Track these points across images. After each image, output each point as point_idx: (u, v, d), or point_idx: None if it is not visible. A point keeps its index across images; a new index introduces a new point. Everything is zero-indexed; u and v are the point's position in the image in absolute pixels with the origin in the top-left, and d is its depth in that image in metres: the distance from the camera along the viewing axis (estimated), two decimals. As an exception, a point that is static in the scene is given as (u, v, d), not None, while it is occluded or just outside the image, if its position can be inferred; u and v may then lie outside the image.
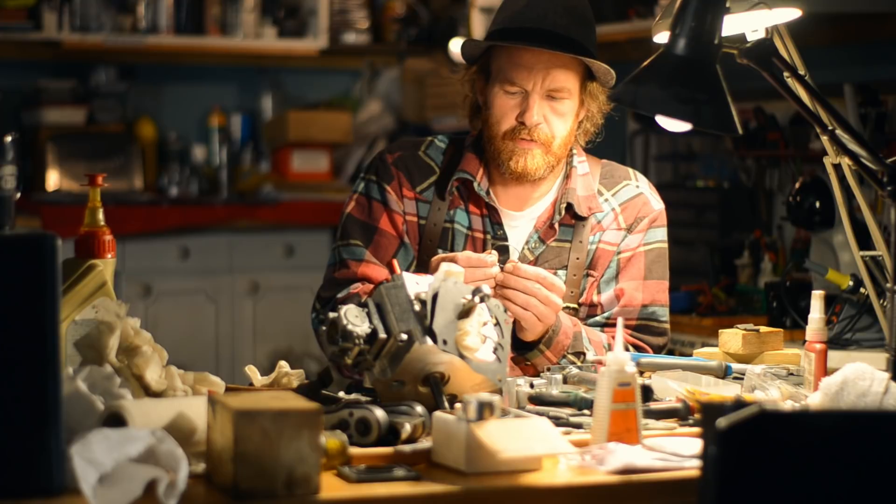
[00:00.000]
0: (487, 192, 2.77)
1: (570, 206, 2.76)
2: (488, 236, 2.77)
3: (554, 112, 2.71)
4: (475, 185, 2.76)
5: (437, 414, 2.05)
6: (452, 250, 2.75)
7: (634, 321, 2.79)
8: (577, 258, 2.77)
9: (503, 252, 2.75)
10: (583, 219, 2.77)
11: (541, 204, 2.80)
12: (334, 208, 5.69)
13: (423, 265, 2.72)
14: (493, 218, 2.77)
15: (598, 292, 2.79)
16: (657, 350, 2.81)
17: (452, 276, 2.25)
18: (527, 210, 2.79)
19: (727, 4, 2.39)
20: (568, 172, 2.80)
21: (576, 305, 2.77)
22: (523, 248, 2.76)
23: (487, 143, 2.76)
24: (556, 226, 2.76)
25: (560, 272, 2.74)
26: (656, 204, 2.84)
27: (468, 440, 1.96)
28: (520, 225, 2.79)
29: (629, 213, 2.80)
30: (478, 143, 2.80)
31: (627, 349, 2.70)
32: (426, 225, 2.77)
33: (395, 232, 2.78)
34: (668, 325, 2.84)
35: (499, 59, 2.73)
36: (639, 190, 2.83)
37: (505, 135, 2.72)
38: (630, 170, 2.88)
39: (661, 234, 2.84)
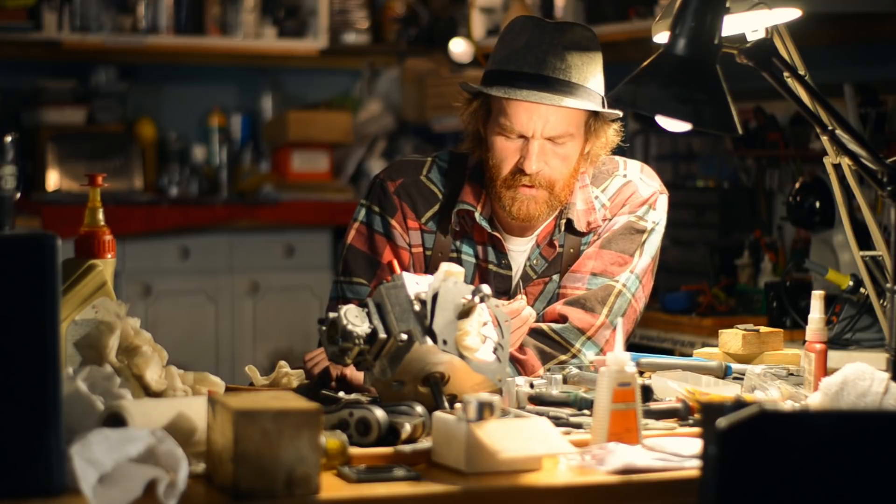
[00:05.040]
0: (491, 221, 2.69)
1: (570, 223, 2.70)
2: (492, 266, 2.70)
3: (555, 155, 2.61)
4: (476, 215, 2.68)
5: (437, 414, 2.05)
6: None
7: (583, 289, 2.67)
8: (569, 264, 2.71)
9: (504, 282, 2.70)
10: (581, 234, 2.71)
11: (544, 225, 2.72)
12: (334, 208, 5.69)
13: None
14: (497, 247, 2.70)
15: None
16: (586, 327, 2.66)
17: (452, 276, 2.25)
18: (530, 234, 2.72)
19: (727, 4, 2.39)
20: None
21: None
22: (525, 266, 2.71)
23: (489, 182, 2.67)
24: (556, 243, 2.70)
25: (555, 276, 2.71)
26: (645, 189, 2.73)
27: (468, 440, 1.96)
28: (523, 248, 2.72)
29: (616, 204, 2.72)
30: (478, 170, 2.71)
31: (564, 319, 2.64)
32: (432, 256, 2.70)
33: (401, 268, 2.70)
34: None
35: (498, 100, 2.63)
36: (626, 178, 2.74)
37: (505, 180, 2.63)
38: (620, 159, 2.77)
39: (643, 211, 2.72)
